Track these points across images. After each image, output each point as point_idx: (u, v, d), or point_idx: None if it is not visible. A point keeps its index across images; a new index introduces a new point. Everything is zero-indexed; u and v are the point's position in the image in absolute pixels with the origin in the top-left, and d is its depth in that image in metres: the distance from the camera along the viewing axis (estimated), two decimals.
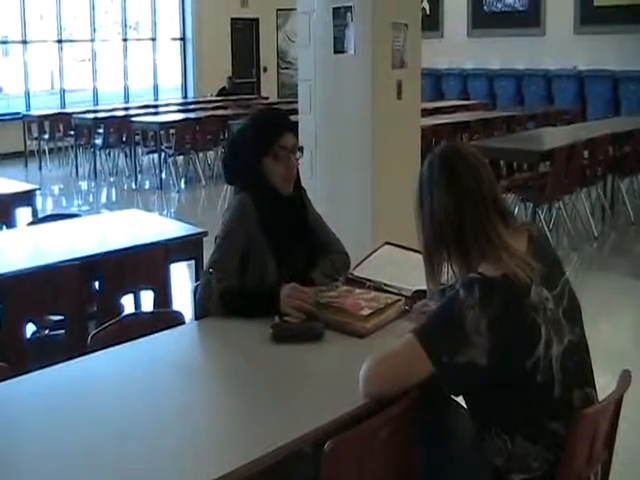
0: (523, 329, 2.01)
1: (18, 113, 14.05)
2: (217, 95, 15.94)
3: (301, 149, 3.00)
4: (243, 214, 2.89)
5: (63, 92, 15.59)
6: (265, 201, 2.92)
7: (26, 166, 13.22)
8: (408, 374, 2.08)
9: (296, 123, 6.01)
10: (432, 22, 15.70)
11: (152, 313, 3.35)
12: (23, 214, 5.60)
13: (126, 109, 14.16)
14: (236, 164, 3.02)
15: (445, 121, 10.23)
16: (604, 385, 2.22)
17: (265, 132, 2.94)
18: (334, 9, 5.45)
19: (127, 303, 3.89)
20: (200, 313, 2.78)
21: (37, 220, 4.89)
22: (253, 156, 2.92)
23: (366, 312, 2.60)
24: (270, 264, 2.90)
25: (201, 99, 15.97)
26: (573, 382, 2.09)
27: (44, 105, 15.00)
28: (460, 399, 2.30)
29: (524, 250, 2.11)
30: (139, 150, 12.09)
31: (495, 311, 1.98)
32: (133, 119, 12.08)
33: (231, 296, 2.75)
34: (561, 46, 14.46)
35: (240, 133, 3.06)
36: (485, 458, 2.13)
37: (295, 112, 6.00)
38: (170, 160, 11.81)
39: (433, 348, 2.02)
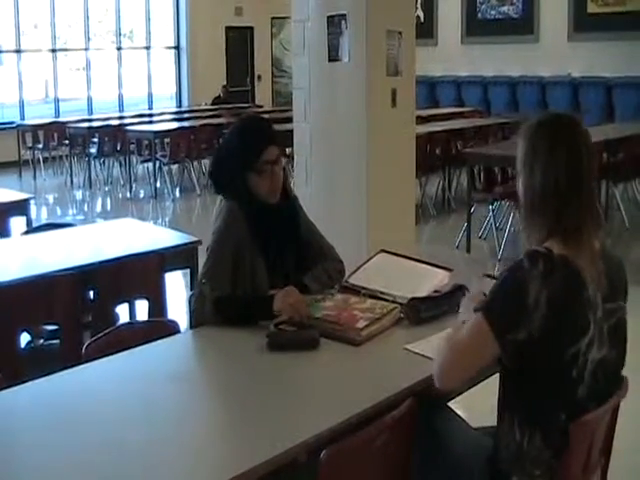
0: (575, 315, 2.01)
1: (12, 122, 14.05)
2: (212, 104, 15.94)
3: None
4: (232, 222, 2.90)
5: (57, 101, 15.58)
6: (253, 209, 2.93)
7: (20, 175, 13.20)
8: (481, 357, 2.05)
9: (290, 132, 6.03)
10: (426, 30, 15.74)
11: (147, 322, 3.34)
12: (17, 223, 5.58)
13: (120, 118, 14.17)
14: (222, 177, 3.03)
15: (440, 128, 10.24)
16: None
17: (247, 148, 2.94)
18: (328, 17, 5.46)
19: (122, 312, 3.88)
20: (195, 324, 2.78)
21: (31, 229, 4.88)
22: (238, 171, 2.94)
23: (362, 324, 2.59)
24: (261, 270, 2.90)
25: (195, 108, 15.97)
26: (597, 395, 2.09)
27: (38, 114, 14.98)
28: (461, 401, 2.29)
29: (598, 251, 2.10)
30: (134, 159, 12.09)
31: (555, 287, 1.97)
32: (128, 128, 12.09)
33: (225, 304, 2.76)
34: (555, 53, 14.50)
35: (224, 147, 3.08)
36: (481, 462, 2.13)
37: (290, 120, 5.99)
38: (165, 169, 11.81)
39: (498, 325, 1.99)
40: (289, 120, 7.35)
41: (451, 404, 2.52)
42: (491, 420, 2.30)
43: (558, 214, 2.06)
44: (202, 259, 3.13)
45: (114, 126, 12.60)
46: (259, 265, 2.90)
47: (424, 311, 2.73)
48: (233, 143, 3.01)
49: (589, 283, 2.02)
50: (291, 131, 6.01)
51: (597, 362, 2.05)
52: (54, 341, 3.71)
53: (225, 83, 16.78)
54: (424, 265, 3.13)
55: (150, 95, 17.24)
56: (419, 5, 15.65)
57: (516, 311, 1.97)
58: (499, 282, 2.06)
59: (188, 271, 4.26)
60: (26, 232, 4.79)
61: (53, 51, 15.39)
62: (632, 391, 2.23)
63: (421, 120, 10.31)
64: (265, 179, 2.92)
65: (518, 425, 2.08)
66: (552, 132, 2.12)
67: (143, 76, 17.09)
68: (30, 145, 13.06)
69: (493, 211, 8.01)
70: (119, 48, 16.57)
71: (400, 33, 5.52)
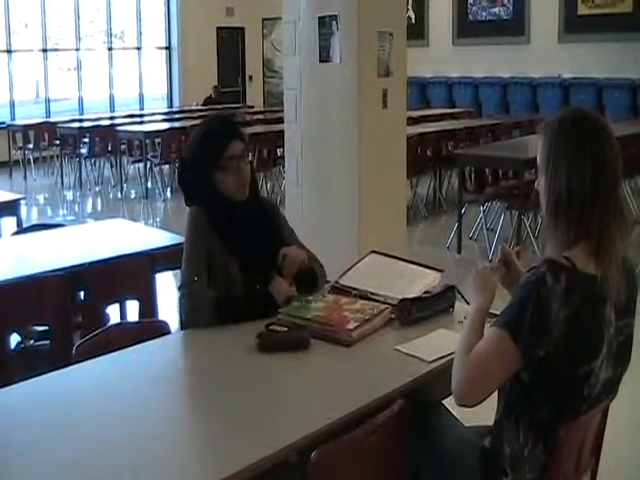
0: (590, 336, 1.99)
1: (3, 122, 14.00)
2: (203, 104, 15.93)
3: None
4: (197, 225, 2.90)
5: (48, 101, 15.55)
6: (217, 209, 2.92)
7: (11, 176, 13.16)
8: (505, 372, 2.01)
9: (281, 132, 6.03)
10: (417, 31, 15.77)
11: (137, 323, 3.33)
12: (8, 224, 5.57)
13: (111, 118, 14.15)
14: (189, 180, 3.02)
15: (431, 129, 10.25)
16: None
17: (210, 146, 2.94)
18: (319, 18, 5.46)
19: (113, 313, 3.87)
20: (190, 323, 2.75)
21: (22, 230, 4.86)
22: (203, 172, 2.93)
23: (352, 325, 2.59)
24: (233, 268, 2.88)
25: (186, 108, 15.96)
26: (595, 408, 2.08)
27: (29, 114, 14.94)
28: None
29: (620, 258, 2.06)
30: (125, 159, 12.06)
31: (576, 306, 1.94)
32: (118, 128, 12.07)
33: (227, 303, 2.76)
34: (546, 54, 14.54)
35: (189, 150, 3.06)
36: (473, 462, 2.14)
37: (281, 121, 5.98)
38: (156, 169, 11.79)
39: (525, 342, 1.95)
40: (280, 121, 7.35)
41: (445, 403, 2.52)
42: (484, 419, 2.30)
43: (583, 220, 2.01)
44: None
45: (105, 126, 12.58)
46: (230, 262, 2.88)
47: (415, 312, 2.73)
48: (197, 144, 3.00)
49: (608, 299, 2.00)
50: (282, 132, 6.01)
51: (605, 381, 2.04)
52: (44, 342, 3.70)
53: (216, 84, 16.77)
54: (415, 266, 3.13)
55: (141, 95, 17.22)
56: (410, 6, 15.68)
57: (540, 328, 1.94)
58: (522, 296, 1.98)
59: (179, 272, 4.24)
60: (16, 232, 4.78)
61: (44, 51, 15.36)
62: (628, 393, 2.24)
63: (412, 121, 10.31)
64: (230, 175, 2.91)
65: (523, 431, 2.07)
66: (576, 135, 2.05)
67: (134, 76, 17.07)
68: (20, 145, 13.03)
69: (484, 212, 8.02)
70: (110, 48, 16.54)
71: (391, 34, 5.52)
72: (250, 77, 18.62)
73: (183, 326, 2.79)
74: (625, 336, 2.09)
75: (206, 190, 2.93)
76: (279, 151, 10.13)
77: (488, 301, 2.21)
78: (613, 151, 2.04)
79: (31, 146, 12.96)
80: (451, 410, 2.48)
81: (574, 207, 2.01)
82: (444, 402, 2.50)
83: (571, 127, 2.07)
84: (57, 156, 12.96)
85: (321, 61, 5.51)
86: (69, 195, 11.95)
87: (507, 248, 2.39)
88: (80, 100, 16.05)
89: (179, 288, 2.82)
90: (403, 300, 2.76)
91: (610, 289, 2.00)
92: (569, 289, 1.94)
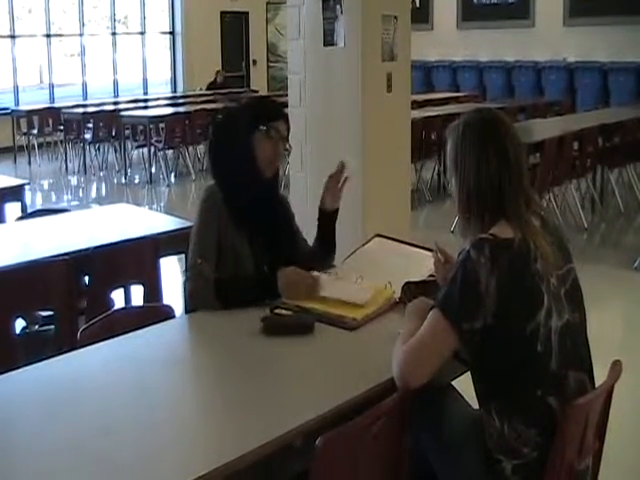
0: (527, 291, 2.07)
1: (7, 108, 13.99)
2: (207, 89, 15.90)
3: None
4: (211, 205, 2.89)
5: (52, 87, 15.53)
6: (242, 178, 2.91)
7: (15, 161, 13.17)
8: (440, 353, 2.10)
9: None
10: (422, 14, 15.69)
11: (142, 307, 3.34)
12: (12, 209, 5.57)
13: (115, 103, 14.13)
14: (227, 135, 2.97)
15: (435, 113, 10.21)
16: (595, 375, 2.22)
17: (264, 111, 2.97)
18: (324, 2, 5.44)
19: (117, 298, 3.88)
20: (194, 305, 2.76)
21: (26, 215, 4.87)
22: (247, 126, 2.90)
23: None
24: (244, 248, 2.88)
25: (190, 93, 15.94)
26: (569, 362, 2.12)
27: (33, 100, 14.92)
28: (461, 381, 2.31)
29: (539, 228, 2.19)
30: (129, 144, 12.07)
31: (503, 270, 2.04)
32: (122, 113, 12.05)
33: (227, 285, 2.76)
34: (550, 38, 14.49)
35: (234, 112, 3.07)
36: (477, 443, 2.14)
37: (285, 105, 5.96)
38: (160, 154, 11.79)
39: (455, 317, 2.06)
40: (284, 105, 7.32)
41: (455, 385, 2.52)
42: None
43: (496, 205, 2.17)
44: None
45: (109, 111, 12.57)
46: (241, 243, 2.88)
47: (419, 295, 2.73)
48: (248, 108, 3.03)
49: (537, 256, 2.09)
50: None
51: (561, 329, 2.10)
52: (49, 327, 3.70)
53: (220, 68, 16.73)
54: (419, 249, 3.13)
55: (145, 80, 17.20)
56: None
57: (470, 301, 2.04)
58: (451, 277, 2.11)
59: (183, 256, 4.25)
60: (21, 218, 4.78)
61: (48, 36, 15.33)
62: (627, 373, 2.24)
63: (416, 105, 10.28)
64: (270, 145, 2.91)
65: (496, 413, 2.11)
66: (478, 131, 2.23)
67: (138, 61, 17.04)
68: (25, 131, 13.03)
69: None
70: (114, 33, 16.51)
71: (396, 18, 5.50)
72: (254, 62, 18.57)
73: (187, 309, 2.80)
74: (571, 282, 2.20)
75: (241, 147, 2.90)
76: None
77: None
78: (513, 142, 2.21)
79: (35, 131, 12.96)
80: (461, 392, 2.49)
81: (486, 195, 2.17)
82: (454, 385, 2.50)
83: (473, 128, 2.24)
84: (61, 141, 12.96)
85: (325, 45, 5.49)
86: (73, 180, 11.96)
87: (439, 245, 2.64)
88: (84, 85, 16.04)
89: (185, 270, 2.83)
90: (408, 283, 2.76)
91: (537, 247, 2.11)
92: (494, 257, 2.05)
